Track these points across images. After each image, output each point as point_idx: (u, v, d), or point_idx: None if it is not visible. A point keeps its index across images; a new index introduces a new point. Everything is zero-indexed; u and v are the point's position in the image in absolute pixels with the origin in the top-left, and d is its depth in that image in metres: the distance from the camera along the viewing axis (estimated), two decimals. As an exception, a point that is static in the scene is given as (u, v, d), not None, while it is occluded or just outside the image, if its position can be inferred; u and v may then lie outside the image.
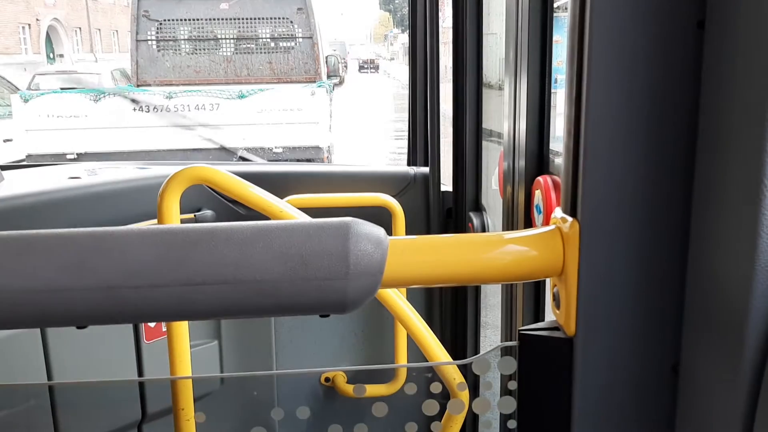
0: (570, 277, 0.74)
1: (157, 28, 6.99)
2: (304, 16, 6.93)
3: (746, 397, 0.65)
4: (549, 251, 0.75)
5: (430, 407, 0.89)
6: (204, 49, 7.11)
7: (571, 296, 0.74)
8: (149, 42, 7.02)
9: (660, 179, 0.72)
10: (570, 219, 0.74)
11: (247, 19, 7.00)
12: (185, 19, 7.02)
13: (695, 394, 0.74)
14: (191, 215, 2.39)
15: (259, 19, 6.98)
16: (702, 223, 0.71)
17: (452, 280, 0.79)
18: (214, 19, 7.01)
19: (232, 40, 7.09)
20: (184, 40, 7.06)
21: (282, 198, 2.01)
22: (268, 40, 7.06)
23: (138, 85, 7.07)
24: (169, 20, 6.97)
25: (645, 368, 0.77)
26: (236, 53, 7.15)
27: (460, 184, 2.43)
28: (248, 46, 7.13)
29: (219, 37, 7.07)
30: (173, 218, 1.81)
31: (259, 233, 0.68)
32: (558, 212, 0.77)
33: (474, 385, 2.12)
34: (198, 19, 7.02)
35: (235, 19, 7.02)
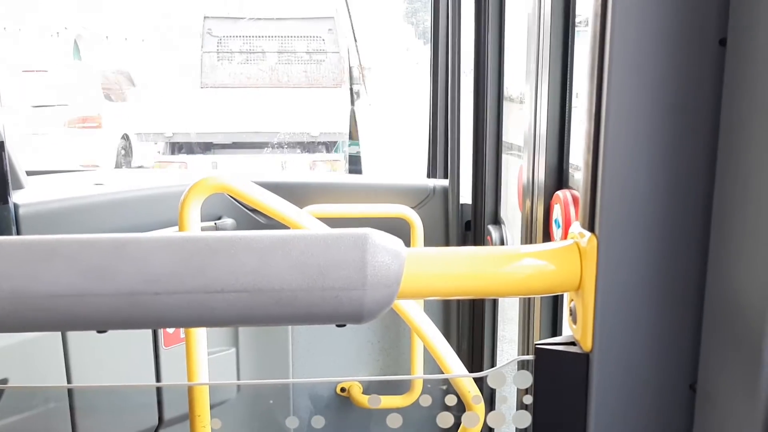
0: (587, 292, 0.74)
1: (218, 43, 8.81)
2: (333, 36, 8.66)
3: (764, 417, 0.64)
4: (566, 266, 0.75)
5: (445, 420, 0.89)
6: (253, 60, 8.95)
7: (588, 311, 0.74)
8: (211, 54, 8.81)
9: (679, 196, 0.72)
10: (588, 234, 0.74)
11: (287, 36, 8.89)
12: (239, 36, 8.87)
13: (712, 413, 0.73)
14: (212, 223, 2.41)
15: (297, 37, 8.86)
16: (721, 241, 0.71)
17: (469, 293, 0.79)
18: (262, 36, 8.91)
19: (275, 53, 8.93)
20: (238, 52, 8.92)
21: (301, 208, 2.03)
22: (304, 54, 8.87)
23: (201, 88, 8.91)
24: (226, 37, 8.81)
25: (662, 385, 0.76)
26: (279, 63, 8.91)
27: (479, 197, 2.43)
28: (288, 58, 8.93)
29: (265, 50, 8.93)
30: (194, 226, 1.82)
31: (278, 243, 0.69)
32: (576, 227, 0.77)
33: (489, 398, 2.11)
34: (249, 36, 8.88)
35: (278, 37, 8.90)
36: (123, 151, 9.32)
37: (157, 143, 8.94)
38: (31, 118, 8.36)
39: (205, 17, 8.70)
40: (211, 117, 8.43)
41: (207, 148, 8.55)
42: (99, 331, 0.71)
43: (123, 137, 9.39)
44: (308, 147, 8.56)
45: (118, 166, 9.06)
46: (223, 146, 8.53)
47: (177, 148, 8.71)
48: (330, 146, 8.55)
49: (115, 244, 0.68)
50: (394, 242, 0.71)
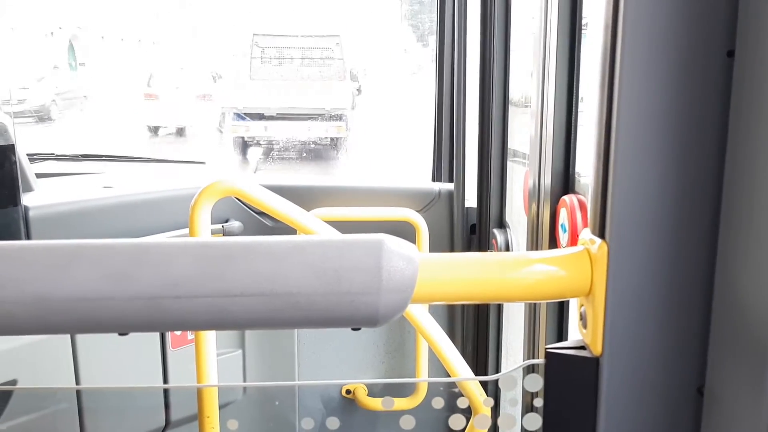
0: (597, 297, 0.75)
1: (261, 51, 13.10)
2: (339, 48, 13.16)
3: None
4: (577, 272, 0.76)
5: (457, 422, 0.90)
6: (285, 64, 13.30)
7: (599, 316, 0.75)
8: (256, 59, 13.06)
9: (688, 203, 0.73)
10: (598, 240, 0.75)
11: (307, 48, 13.26)
12: (276, 47, 13.14)
13: (720, 417, 0.75)
14: (219, 226, 2.43)
15: (314, 48, 13.22)
16: (729, 246, 0.72)
17: (481, 298, 0.81)
18: (291, 47, 13.28)
19: (299, 59, 13.30)
20: (274, 58, 13.22)
21: (308, 211, 2.04)
22: (319, 59, 13.19)
23: (251, 79, 13.12)
24: (267, 47, 13.11)
25: (670, 390, 0.77)
26: (302, 66, 13.26)
27: (484, 201, 2.44)
28: (308, 62, 13.24)
29: (293, 57, 13.30)
30: (204, 229, 1.84)
31: (295, 248, 0.70)
32: (586, 233, 0.79)
33: (495, 401, 2.12)
34: (282, 47, 13.20)
35: (301, 48, 13.31)
36: (222, 117, 13.34)
37: (230, 113, 12.76)
38: (172, 95, 14.09)
39: (254, 34, 13.20)
40: (262, 98, 12.49)
41: (260, 117, 12.28)
42: (120, 334, 0.73)
43: (222, 108, 13.62)
44: (323, 117, 12.21)
45: (219, 126, 13.28)
46: (271, 117, 12.24)
47: (241, 117, 12.42)
48: (337, 117, 12.22)
49: (137, 248, 0.70)
50: (408, 248, 0.72)
